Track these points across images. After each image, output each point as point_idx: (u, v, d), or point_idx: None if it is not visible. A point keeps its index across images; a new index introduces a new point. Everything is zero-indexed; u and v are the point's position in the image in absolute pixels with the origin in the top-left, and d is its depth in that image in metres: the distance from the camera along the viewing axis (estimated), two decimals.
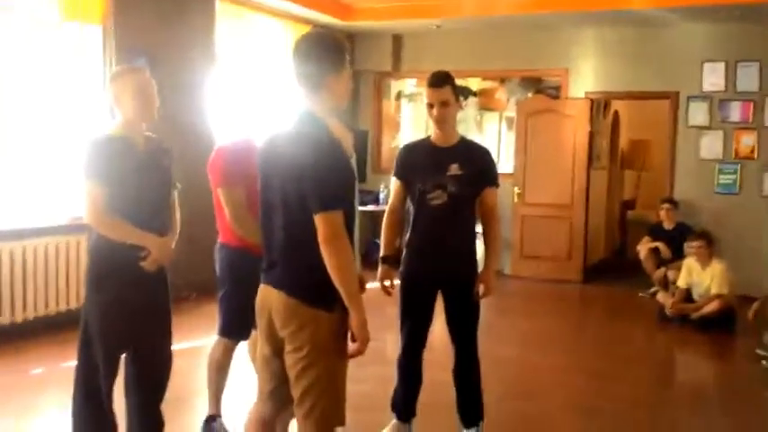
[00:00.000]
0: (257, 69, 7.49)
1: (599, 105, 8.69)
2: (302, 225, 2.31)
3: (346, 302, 2.32)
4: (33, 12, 5.32)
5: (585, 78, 8.33)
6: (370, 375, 4.33)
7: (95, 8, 5.65)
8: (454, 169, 3.41)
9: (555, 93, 8.79)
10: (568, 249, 8.24)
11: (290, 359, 2.40)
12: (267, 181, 2.46)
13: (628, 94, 8.43)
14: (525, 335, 6.21)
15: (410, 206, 3.58)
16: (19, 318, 5.17)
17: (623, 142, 10.39)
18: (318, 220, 2.27)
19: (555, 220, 8.24)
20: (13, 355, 4.83)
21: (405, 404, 3.66)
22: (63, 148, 5.63)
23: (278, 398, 2.56)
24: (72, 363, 4.39)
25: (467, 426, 3.62)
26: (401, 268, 3.56)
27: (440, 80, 3.39)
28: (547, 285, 8.01)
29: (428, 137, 3.59)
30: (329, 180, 2.28)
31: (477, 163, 3.49)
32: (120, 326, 3.01)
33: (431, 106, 3.41)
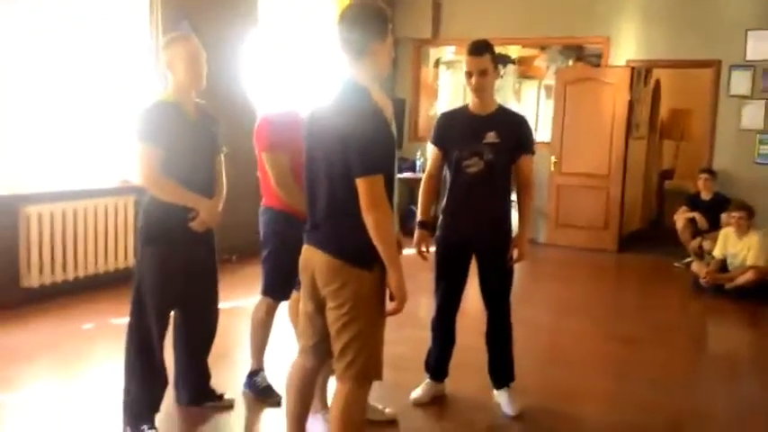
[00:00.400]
0: (299, 34, 7.58)
1: (640, 74, 8.59)
2: (345, 189, 2.42)
3: (385, 263, 2.44)
4: None
5: (627, 46, 8.24)
6: (405, 337, 4.47)
7: None
8: (491, 137, 3.49)
9: (596, 61, 8.71)
10: (604, 219, 8.25)
11: (331, 315, 2.53)
12: (312, 147, 2.57)
13: (669, 62, 8.30)
14: (559, 301, 6.28)
15: (446, 173, 3.67)
16: (71, 276, 5.40)
17: (664, 111, 10.27)
18: (360, 184, 2.38)
19: (591, 189, 8.24)
20: (66, 310, 5.07)
21: (438, 364, 3.79)
22: (113, 113, 5.83)
23: (319, 352, 2.70)
24: (120, 319, 4.65)
25: (497, 386, 3.74)
26: (437, 233, 3.66)
27: (479, 49, 3.45)
28: (582, 254, 8.05)
29: (466, 105, 3.66)
30: (371, 146, 2.38)
31: (514, 131, 3.56)
32: (171, 282, 3.18)
33: (469, 75, 3.47)
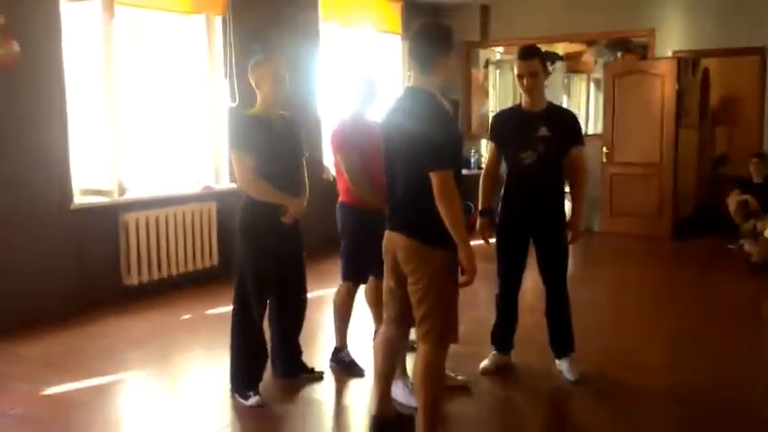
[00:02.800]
0: (355, 47, 8.08)
1: (687, 63, 8.80)
2: (419, 181, 2.84)
3: (457, 242, 2.86)
4: (171, 6, 6.13)
5: (672, 37, 8.45)
6: (471, 318, 4.87)
7: (218, 1, 6.38)
8: (543, 132, 3.88)
9: (643, 52, 8.94)
10: (658, 206, 8.48)
11: (411, 289, 2.97)
12: (390, 148, 3.01)
13: (715, 51, 8.49)
14: (616, 283, 6.59)
15: (504, 167, 4.08)
16: (165, 274, 5.99)
17: (714, 99, 10.38)
18: (433, 176, 2.81)
19: (644, 177, 8.48)
20: (164, 304, 5.66)
21: (503, 337, 4.20)
22: (194, 125, 6.43)
23: (402, 322, 3.15)
24: (213, 310, 5.24)
25: (558, 356, 4.12)
26: (497, 219, 4.07)
27: (528, 53, 3.86)
28: (636, 241, 8.29)
29: (518, 104, 4.07)
30: (442, 144, 2.82)
31: (564, 125, 3.95)
32: (267, 267, 3.69)
33: (521, 77, 3.88)
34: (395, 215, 3.04)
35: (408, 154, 2.90)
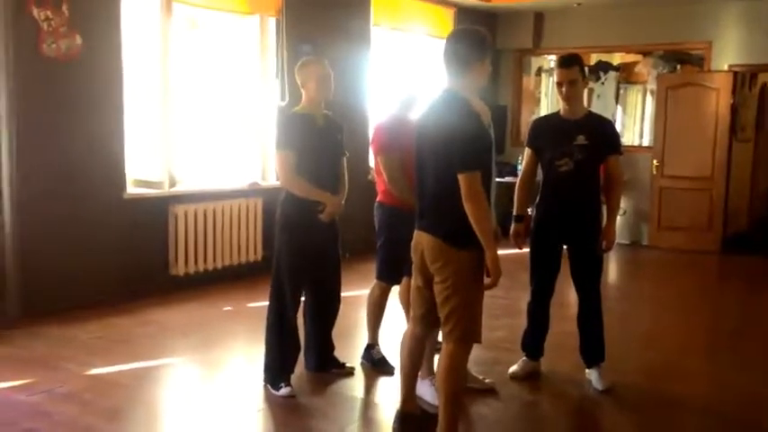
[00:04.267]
0: (406, 51, 8.17)
1: (743, 78, 8.62)
2: (448, 183, 2.91)
3: (483, 244, 2.92)
4: (228, 6, 6.35)
5: (729, 51, 8.30)
6: (503, 324, 4.96)
7: (272, 3, 6.57)
8: (581, 140, 3.89)
9: (701, 64, 8.79)
10: (708, 220, 8.32)
11: (437, 288, 3.04)
12: (421, 149, 3.09)
13: None
14: (659, 298, 6.49)
15: (540, 174, 4.10)
16: (210, 266, 6.18)
17: None
18: (461, 178, 2.88)
19: (694, 191, 8.33)
20: (208, 295, 5.85)
21: (533, 344, 4.21)
22: (245, 123, 6.62)
23: (427, 321, 3.22)
24: (254, 303, 5.38)
25: (589, 365, 4.12)
26: (532, 225, 4.10)
27: (568, 61, 3.89)
28: (685, 255, 8.15)
29: (557, 111, 4.09)
30: (470, 146, 2.88)
31: (602, 133, 3.96)
32: (303, 263, 3.80)
33: (560, 85, 3.90)
34: (423, 215, 3.11)
35: (439, 155, 2.97)
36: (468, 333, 3.02)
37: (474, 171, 2.88)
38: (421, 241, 3.10)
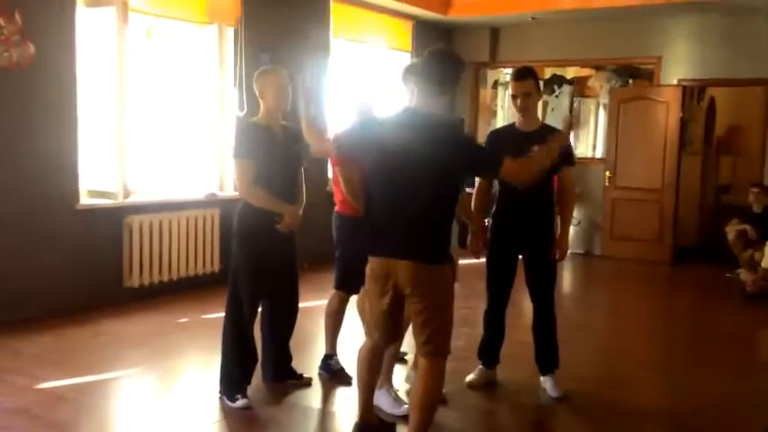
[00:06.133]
0: (365, 62, 8.22)
1: (692, 92, 8.88)
2: (446, 200, 3.00)
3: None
4: (185, 16, 6.33)
5: (679, 65, 8.55)
6: (462, 334, 4.96)
7: (231, 13, 6.55)
8: (535, 150, 3.97)
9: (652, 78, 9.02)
10: (658, 232, 8.53)
11: (415, 309, 2.98)
12: (401, 172, 2.96)
13: (720, 81, 8.57)
14: (612, 306, 6.66)
15: (496, 185, 4.17)
16: (166, 277, 6.10)
17: (720, 128, 10.45)
18: (504, 173, 3.06)
19: (645, 203, 8.55)
20: (164, 307, 5.77)
21: (489, 352, 4.27)
22: (201, 133, 6.57)
23: (384, 338, 3.24)
24: (210, 315, 5.33)
25: (543, 372, 4.18)
26: (488, 236, 4.16)
27: (523, 74, 3.97)
28: (636, 265, 8.34)
29: (513, 123, 4.17)
30: (484, 150, 3.05)
31: None
32: (260, 273, 3.79)
33: (515, 97, 3.98)
34: (393, 241, 3.01)
35: (437, 177, 2.93)
36: (447, 347, 3.08)
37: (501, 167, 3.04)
38: (394, 269, 3.00)
